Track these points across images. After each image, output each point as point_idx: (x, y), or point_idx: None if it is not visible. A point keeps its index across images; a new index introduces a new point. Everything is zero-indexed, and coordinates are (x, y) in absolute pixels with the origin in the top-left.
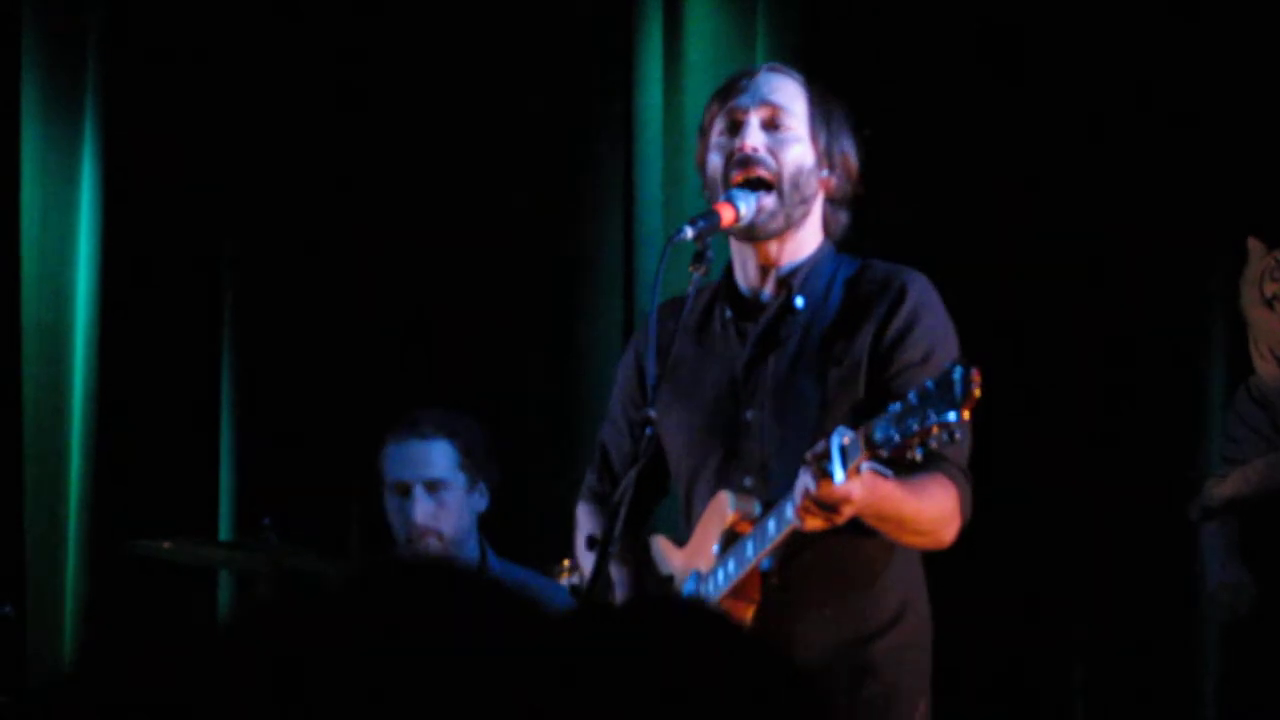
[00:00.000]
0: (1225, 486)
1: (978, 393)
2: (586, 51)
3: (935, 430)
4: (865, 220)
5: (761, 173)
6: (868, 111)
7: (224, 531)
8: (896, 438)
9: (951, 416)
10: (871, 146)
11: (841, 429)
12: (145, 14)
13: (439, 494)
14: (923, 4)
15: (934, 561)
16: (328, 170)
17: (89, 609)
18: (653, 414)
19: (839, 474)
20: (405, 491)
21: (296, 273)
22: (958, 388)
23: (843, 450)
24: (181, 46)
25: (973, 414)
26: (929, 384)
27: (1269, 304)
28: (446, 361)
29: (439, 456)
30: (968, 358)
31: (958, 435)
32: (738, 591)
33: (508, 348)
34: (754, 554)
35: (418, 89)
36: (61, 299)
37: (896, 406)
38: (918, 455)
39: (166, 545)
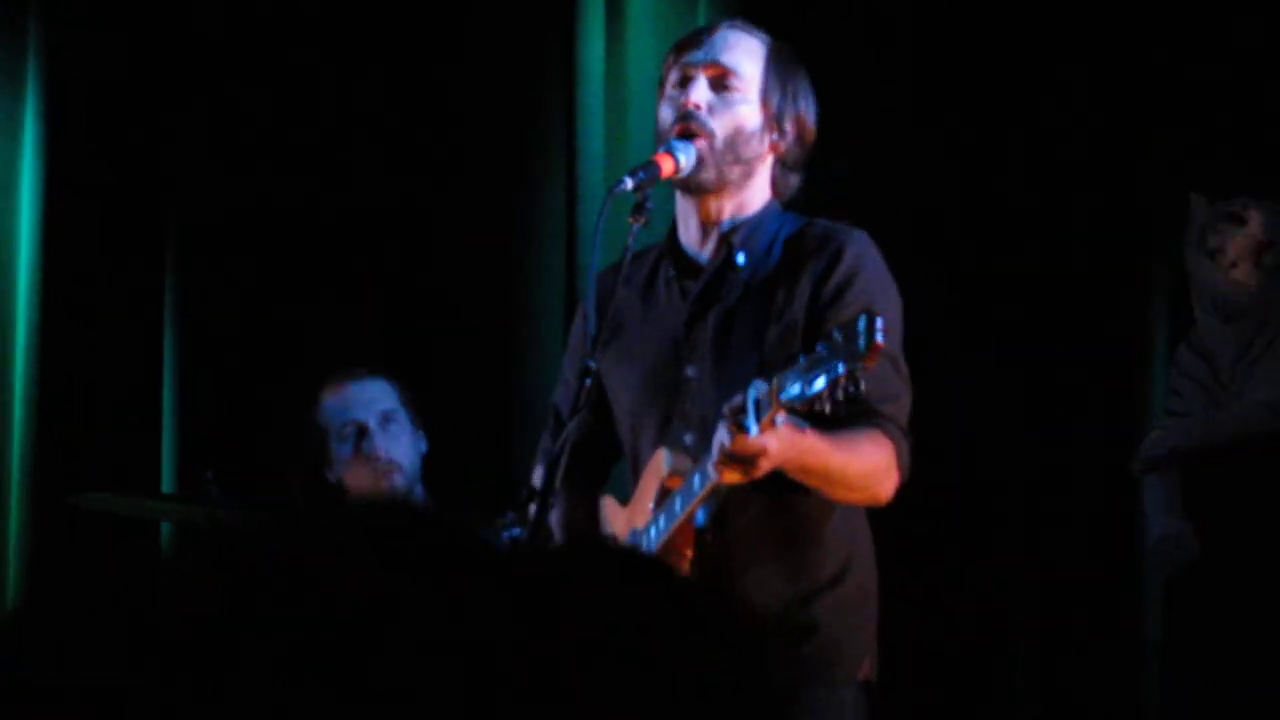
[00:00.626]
0: (1167, 439)
1: (881, 342)
2: (528, 9)
3: (842, 380)
4: (812, 185)
5: (696, 128)
6: (814, 76)
7: (166, 484)
8: (805, 390)
9: (855, 366)
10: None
11: (757, 382)
12: None
13: (389, 427)
14: None
15: (878, 518)
16: (270, 124)
17: (32, 563)
18: (592, 364)
19: (753, 427)
20: (361, 431)
21: (239, 225)
22: (861, 339)
23: (757, 403)
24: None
25: (916, 373)
26: (835, 333)
27: (1211, 256)
28: (388, 317)
29: (382, 391)
30: (911, 314)
31: (863, 385)
32: (668, 547)
33: (449, 303)
34: (681, 509)
35: (356, 42)
36: (3, 255)
37: (803, 359)
38: (826, 408)
39: (109, 498)
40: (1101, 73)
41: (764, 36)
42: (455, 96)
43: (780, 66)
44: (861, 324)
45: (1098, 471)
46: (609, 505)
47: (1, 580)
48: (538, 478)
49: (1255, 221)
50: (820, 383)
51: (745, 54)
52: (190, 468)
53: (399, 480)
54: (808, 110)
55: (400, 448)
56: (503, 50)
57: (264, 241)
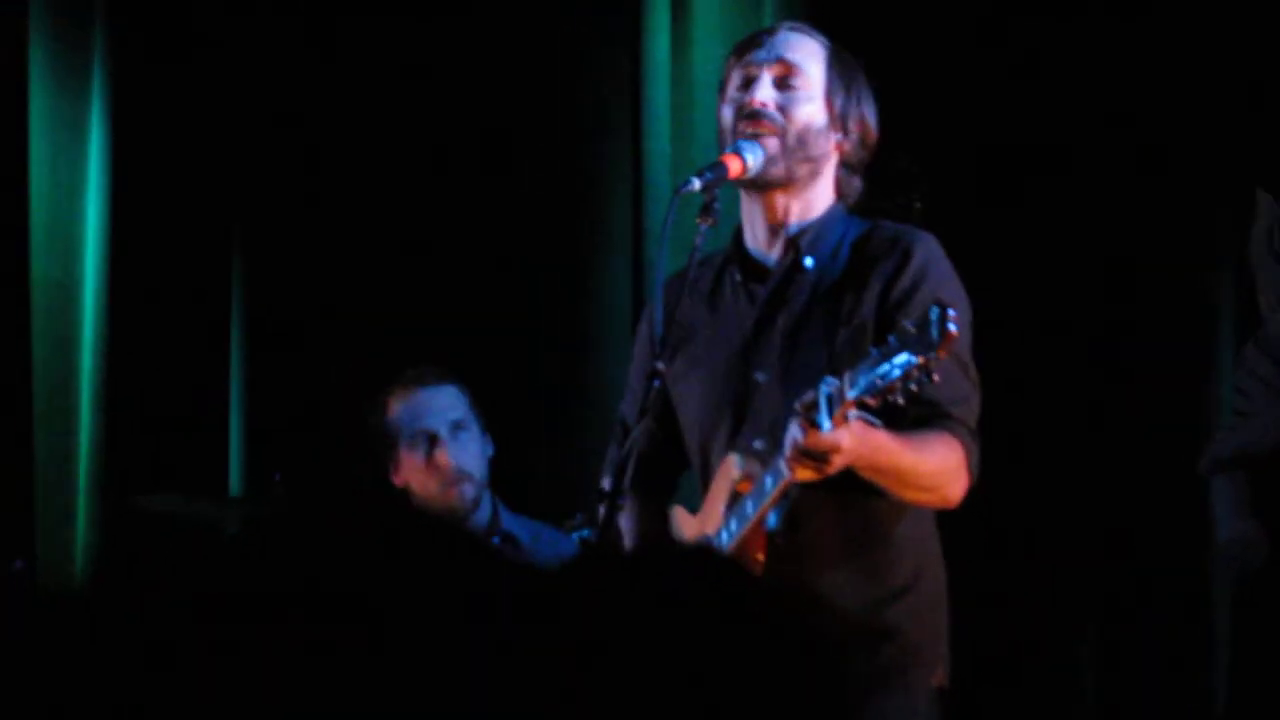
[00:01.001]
0: (1235, 440)
1: (954, 331)
2: (593, 6)
3: (914, 371)
4: (877, 183)
5: (768, 127)
6: (878, 75)
7: (234, 487)
8: (878, 382)
9: (929, 356)
10: (885, 115)
11: (828, 378)
12: None
13: (461, 435)
14: None
15: (948, 522)
16: (336, 126)
17: (99, 565)
18: (660, 365)
19: (825, 422)
20: (432, 440)
21: (305, 229)
22: (934, 329)
23: (829, 399)
24: (192, 5)
25: (982, 375)
26: (908, 325)
27: (1277, 256)
28: (455, 320)
29: (454, 399)
30: (977, 317)
31: (937, 377)
32: (740, 550)
33: (518, 305)
34: (753, 511)
35: (421, 44)
36: (70, 254)
37: (875, 352)
38: (900, 400)
39: (177, 500)
40: (1170, 68)
41: (824, 39)
42: (523, 97)
43: (842, 67)
44: (934, 314)
45: (1166, 473)
46: (679, 514)
47: (69, 582)
48: (606, 484)
49: None
50: (894, 373)
51: (808, 53)
52: (258, 470)
53: (468, 490)
54: (870, 112)
55: (470, 456)
56: (569, 50)
57: (331, 243)
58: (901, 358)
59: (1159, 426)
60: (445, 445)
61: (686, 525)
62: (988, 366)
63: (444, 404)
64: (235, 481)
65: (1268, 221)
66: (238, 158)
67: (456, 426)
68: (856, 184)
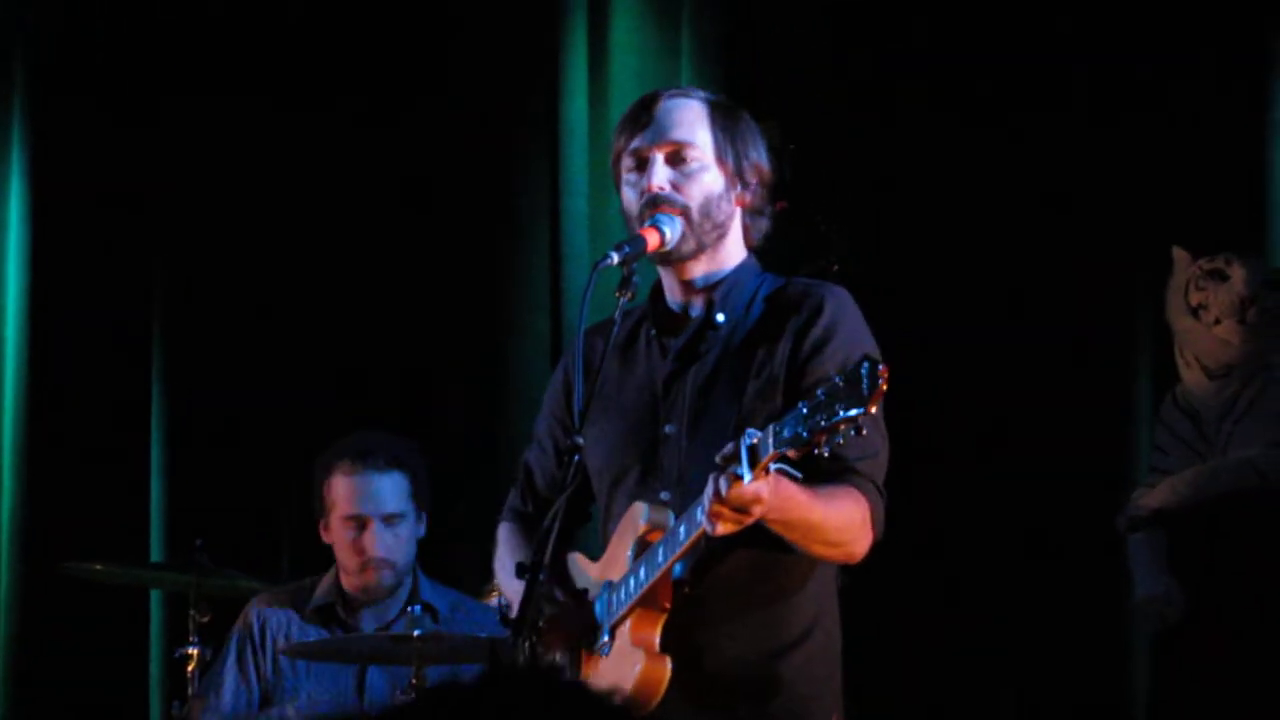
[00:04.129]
0: (1153, 497)
1: (884, 387)
2: (512, 70)
3: (842, 426)
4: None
5: (670, 210)
6: (794, 108)
7: (155, 553)
8: (804, 434)
9: (858, 410)
10: (795, 151)
11: (750, 430)
12: (73, 35)
13: (395, 527)
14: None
15: (860, 575)
16: (254, 189)
17: (21, 630)
18: (580, 441)
19: (747, 474)
20: (361, 525)
21: (225, 294)
22: (865, 383)
23: (751, 450)
24: (109, 64)
25: (901, 431)
26: (837, 379)
27: (1194, 313)
28: (373, 379)
29: (395, 490)
30: (896, 371)
31: (865, 431)
32: (648, 599)
33: (434, 365)
34: (665, 559)
35: (343, 99)
36: None
37: (804, 405)
38: (825, 452)
39: (98, 566)
40: (1082, 124)
41: (701, 95)
42: (439, 156)
43: (725, 123)
44: (865, 369)
45: (1083, 529)
46: (579, 560)
47: None
48: (504, 535)
49: (1238, 277)
50: (820, 426)
51: (692, 123)
52: (179, 536)
53: (387, 576)
54: (760, 154)
55: (399, 546)
56: (486, 109)
57: (251, 306)
58: (829, 411)
59: (1078, 482)
60: (374, 534)
61: (588, 570)
62: (905, 422)
63: (384, 494)
64: (156, 549)
65: (1184, 278)
66: (159, 213)
67: (390, 519)
68: (763, 225)
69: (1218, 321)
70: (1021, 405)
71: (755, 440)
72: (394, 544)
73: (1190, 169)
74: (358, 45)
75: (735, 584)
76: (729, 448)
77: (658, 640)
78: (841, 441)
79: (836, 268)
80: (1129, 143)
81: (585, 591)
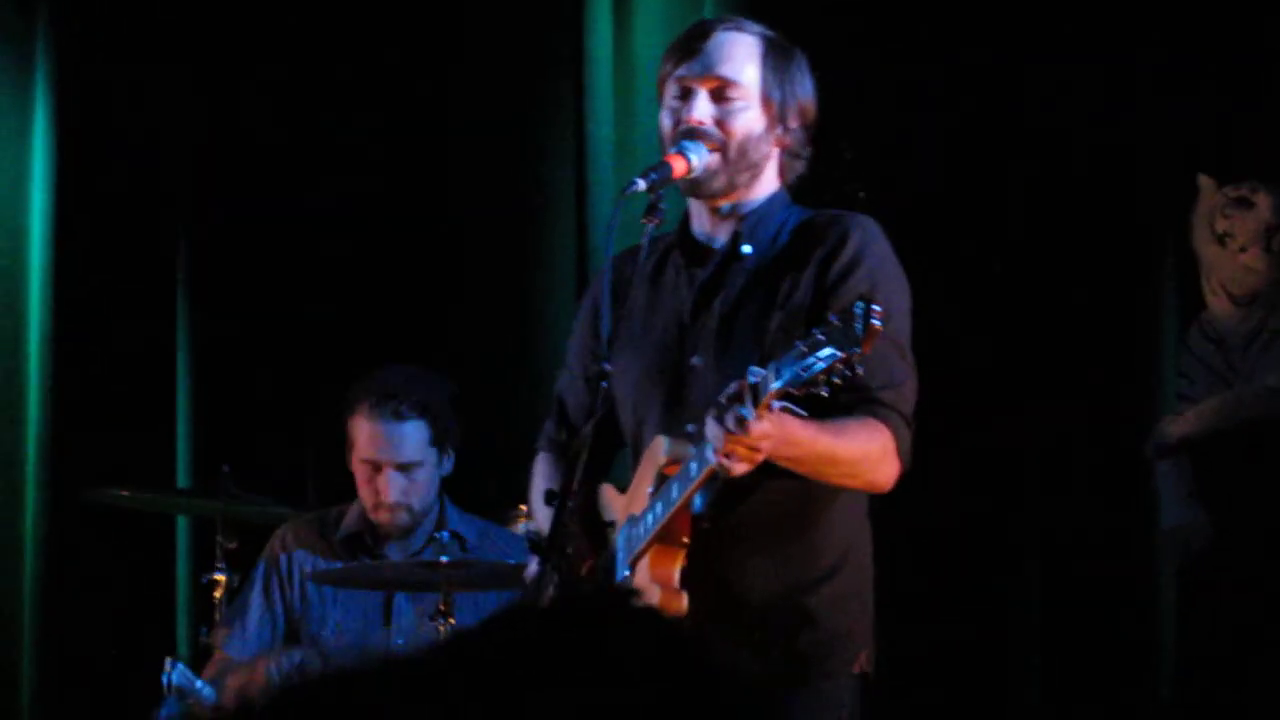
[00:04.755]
0: (1180, 425)
1: (878, 327)
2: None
3: (837, 365)
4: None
5: (708, 143)
6: (819, 37)
7: (182, 479)
8: (801, 374)
9: (852, 351)
10: (820, 79)
11: (753, 368)
12: None
13: (411, 473)
14: None
15: (881, 505)
16: (279, 120)
17: (48, 556)
18: (608, 368)
19: (749, 413)
20: (377, 469)
21: (250, 220)
22: (858, 323)
23: (754, 389)
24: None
25: (926, 358)
26: (833, 318)
27: (1220, 240)
28: (401, 309)
29: (413, 439)
30: (921, 304)
31: (859, 370)
32: (665, 534)
33: (462, 294)
34: (678, 495)
35: (366, 42)
36: (16, 245)
37: (800, 344)
38: (823, 392)
39: (125, 493)
40: (1108, 55)
41: (756, 30)
42: (463, 86)
43: (776, 62)
44: (859, 309)
45: (1111, 456)
46: (608, 492)
47: (18, 574)
48: (541, 464)
49: (1264, 205)
50: (816, 367)
51: (742, 60)
52: (207, 463)
53: (402, 517)
54: (807, 96)
55: (414, 490)
56: (510, 39)
57: (275, 237)
58: (825, 351)
59: (1105, 409)
60: (388, 478)
61: (615, 503)
62: (930, 350)
63: (401, 443)
64: (183, 474)
65: (1209, 205)
66: (185, 153)
67: (406, 467)
68: (799, 166)
69: (1243, 249)
70: (1048, 334)
71: (758, 379)
72: (409, 488)
73: (1216, 96)
74: None
75: (760, 518)
76: (733, 386)
77: (676, 576)
78: (838, 382)
79: (862, 194)
80: (1154, 70)
81: (611, 524)
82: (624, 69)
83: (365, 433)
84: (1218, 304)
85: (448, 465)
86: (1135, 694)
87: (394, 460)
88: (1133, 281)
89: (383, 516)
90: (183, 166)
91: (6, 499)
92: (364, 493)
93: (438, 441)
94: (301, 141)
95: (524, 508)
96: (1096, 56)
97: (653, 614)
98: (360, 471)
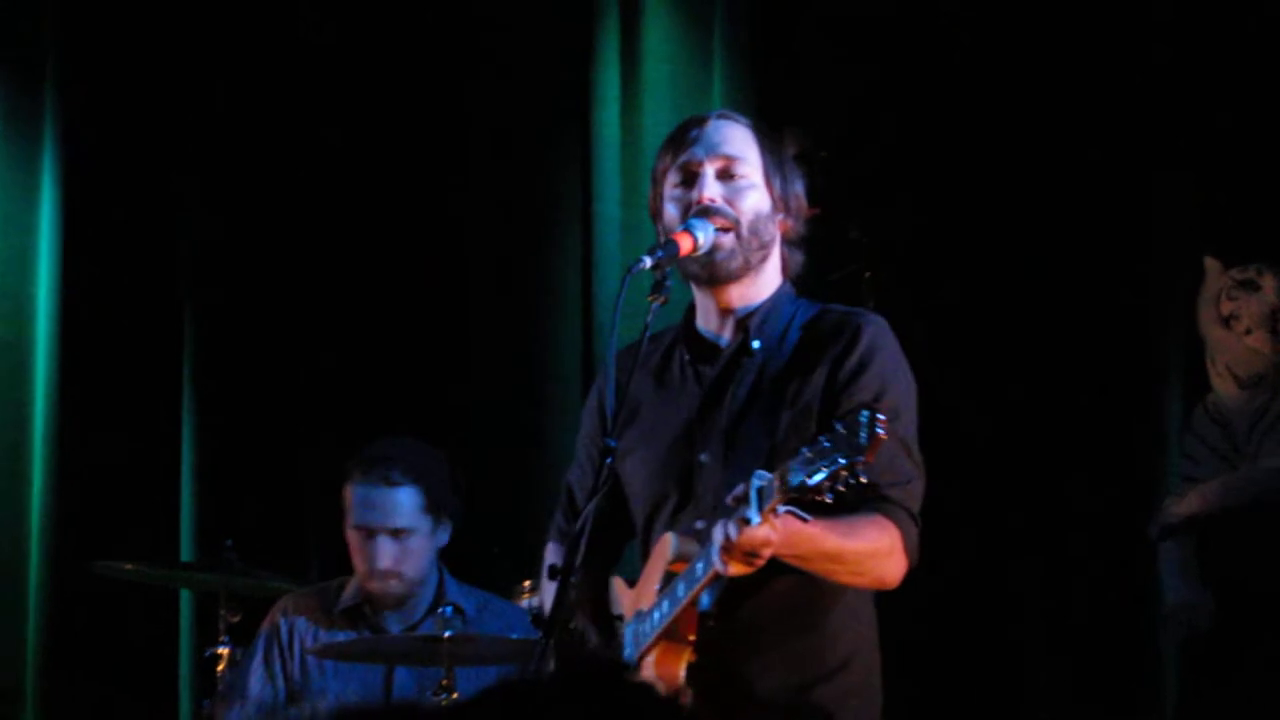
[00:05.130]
0: (1183, 505)
1: (883, 436)
2: (545, 74)
3: (842, 473)
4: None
5: (720, 222)
6: (825, 115)
7: (185, 553)
8: (806, 481)
9: (856, 459)
10: (829, 164)
11: (759, 472)
12: (101, 35)
13: (403, 540)
14: (878, 12)
15: (896, 594)
16: (288, 196)
17: (51, 629)
18: (612, 444)
19: (755, 516)
20: (369, 535)
21: (257, 296)
22: (863, 431)
23: (760, 493)
24: (138, 64)
25: (936, 442)
26: (838, 426)
27: (1226, 322)
28: (405, 383)
29: (405, 505)
30: (929, 386)
31: (863, 478)
32: (671, 631)
33: (466, 369)
34: (684, 595)
35: (377, 105)
36: (22, 316)
37: (805, 451)
38: (828, 499)
39: (128, 566)
40: (1115, 134)
41: (746, 121)
42: (472, 164)
43: (772, 148)
44: (864, 417)
45: (1114, 537)
46: (618, 585)
47: (21, 644)
48: (551, 554)
49: (1270, 287)
50: (821, 475)
51: (744, 142)
52: (209, 536)
53: (394, 586)
54: (799, 188)
55: (406, 559)
56: (518, 117)
57: (282, 311)
58: (830, 459)
59: (1108, 490)
60: (379, 545)
61: (623, 597)
62: (938, 433)
63: (393, 508)
64: (186, 548)
65: (1215, 287)
66: (191, 225)
67: (398, 534)
68: (799, 258)
69: (1249, 331)
70: (1053, 414)
71: (764, 483)
72: (400, 557)
73: (1224, 177)
74: (389, 49)
75: (768, 615)
76: (739, 489)
77: (681, 673)
78: (842, 488)
79: (868, 274)
80: (1161, 152)
81: (620, 618)
82: (631, 148)
83: (356, 498)
84: (1223, 386)
85: (443, 536)
86: None
87: (385, 526)
88: (1138, 362)
89: (375, 585)
90: (189, 242)
91: (11, 569)
92: (357, 561)
93: (431, 510)
94: (309, 219)
95: (528, 583)
96: (1104, 135)
97: (649, 689)
98: (353, 539)
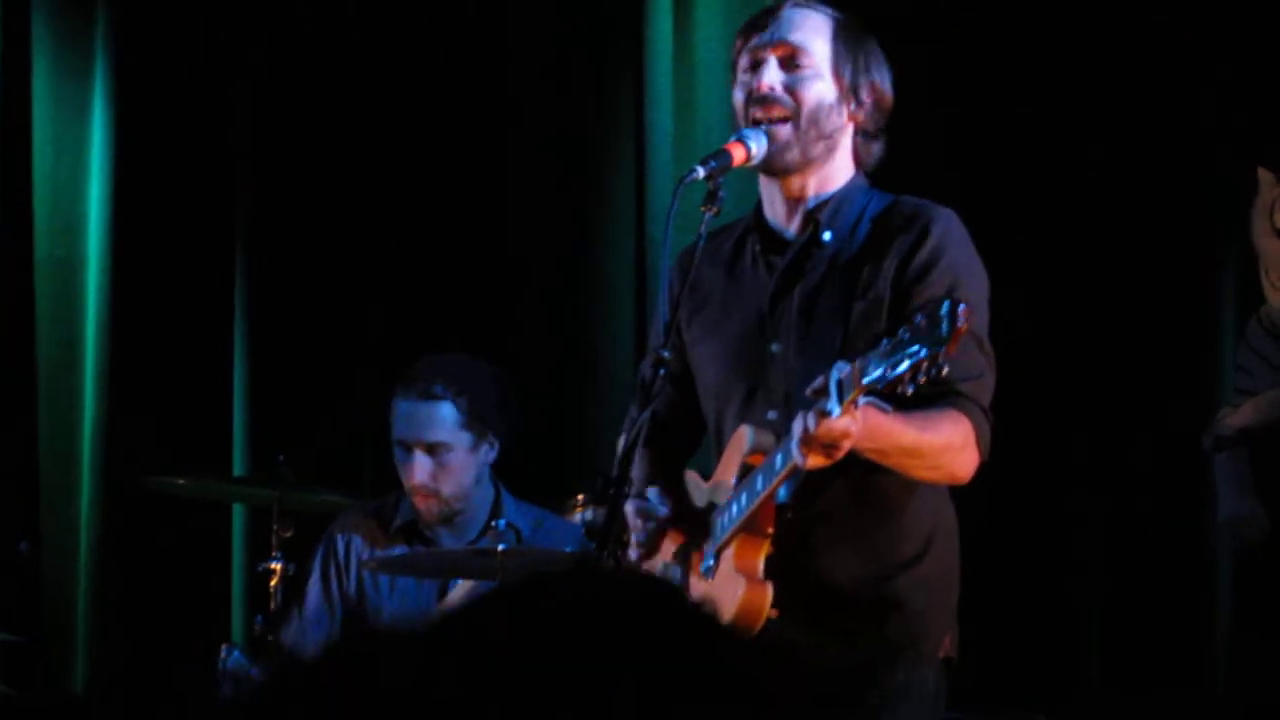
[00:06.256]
0: (1237, 417)
1: (963, 326)
2: None
3: (924, 364)
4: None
5: (778, 112)
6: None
7: (238, 467)
8: (888, 373)
9: (938, 350)
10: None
11: (840, 363)
12: None
13: (439, 456)
14: None
15: (957, 495)
16: (340, 108)
17: (104, 545)
18: (666, 354)
19: (835, 408)
20: (407, 449)
21: (308, 207)
22: (944, 323)
23: (839, 385)
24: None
25: (996, 353)
26: (918, 318)
27: (1279, 233)
28: (460, 296)
29: (442, 419)
30: (991, 293)
31: (945, 369)
32: (750, 525)
33: (522, 281)
34: (762, 488)
35: (431, 26)
36: (74, 234)
37: (886, 343)
38: (908, 391)
39: (181, 481)
40: (1169, 47)
41: (829, 11)
42: (524, 75)
43: (848, 38)
44: (945, 309)
45: (1169, 448)
46: (693, 479)
47: (74, 560)
48: (613, 470)
49: None
50: (903, 366)
51: (812, 30)
52: (262, 450)
53: (433, 505)
54: (882, 78)
55: (443, 475)
56: (570, 33)
57: (334, 227)
58: (911, 350)
59: (1163, 401)
60: (416, 461)
61: (698, 492)
62: (999, 343)
63: (428, 422)
64: (239, 463)
65: (1269, 198)
66: (241, 140)
67: (434, 448)
68: (876, 149)
69: None
70: (1108, 328)
71: (843, 375)
72: (437, 473)
73: (1275, 88)
74: None
75: (845, 507)
76: (819, 381)
77: (760, 566)
78: (923, 379)
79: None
80: (1213, 62)
81: (713, 506)
82: (684, 61)
83: (397, 413)
84: (1277, 297)
85: (490, 453)
86: (1192, 684)
87: (420, 440)
88: (1191, 275)
89: (417, 503)
90: (241, 158)
91: (64, 484)
92: (402, 477)
93: (473, 425)
94: (361, 131)
95: (581, 497)
96: (1156, 51)
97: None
98: (396, 455)
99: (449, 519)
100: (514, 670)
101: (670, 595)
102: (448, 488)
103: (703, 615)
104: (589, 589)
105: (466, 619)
